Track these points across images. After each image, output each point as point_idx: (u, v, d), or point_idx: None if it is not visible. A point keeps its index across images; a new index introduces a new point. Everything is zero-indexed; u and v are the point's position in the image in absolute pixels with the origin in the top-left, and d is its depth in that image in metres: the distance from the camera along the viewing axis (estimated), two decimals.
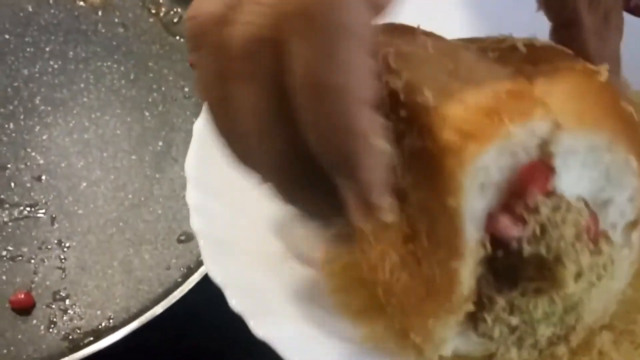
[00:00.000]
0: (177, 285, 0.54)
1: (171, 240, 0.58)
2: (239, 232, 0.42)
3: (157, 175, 0.62)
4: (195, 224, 0.41)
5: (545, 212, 0.32)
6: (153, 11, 0.75)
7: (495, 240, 0.33)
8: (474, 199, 0.32)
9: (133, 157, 0.63)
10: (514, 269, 0.33)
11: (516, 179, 0.32)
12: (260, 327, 0.37)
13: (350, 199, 0.29)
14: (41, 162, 0.63)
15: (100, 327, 0.54)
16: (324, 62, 0.27)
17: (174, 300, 0.52)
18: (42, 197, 0.61)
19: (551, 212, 0.32)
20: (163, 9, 0.75)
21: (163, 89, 0.68)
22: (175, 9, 0.74)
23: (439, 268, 0.34)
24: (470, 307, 0.34)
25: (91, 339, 0.53)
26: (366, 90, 0.28)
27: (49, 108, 0.67)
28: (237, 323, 0.37)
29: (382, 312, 0.41)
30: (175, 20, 0.74)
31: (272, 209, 0.41)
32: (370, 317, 0.41)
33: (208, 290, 0.40)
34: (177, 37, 0.72)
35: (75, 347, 0.53)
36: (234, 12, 0.28)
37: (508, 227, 0.32)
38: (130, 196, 0.61)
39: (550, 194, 0.32)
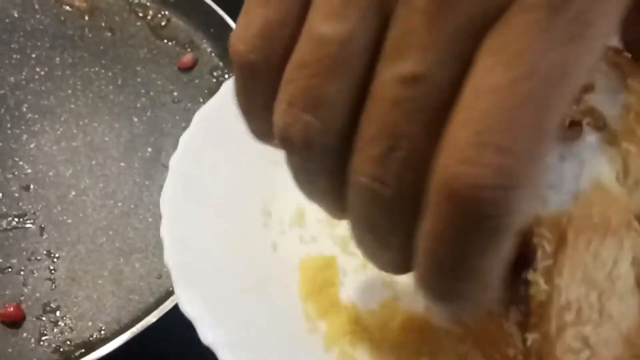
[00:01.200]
0: (169, 294, 0.53)
1: (162, 248, 0.57)
2: (213, 263, 0.42)
3: (146, 182, 0.61)
4: (170, 258, 0.41)
5: None
6: (140, 15, 0.74)
7: None
8: None
9: (122, 164, 0.62)
10: None
11: None
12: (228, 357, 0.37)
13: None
14: (29, 171, 0.62)
15: (91, 338, 0.54)
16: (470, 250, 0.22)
17: (166, 310, 0.51)
18: (30, 207, 0.60)
19: None
20: (150, 13, 0.74)
21: (151, 93, 0.67)
22: (162, 12, 0.74)
23: None
24: None
25: (82, 350, 0.53)
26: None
27: (36, 116, 0.66)
28: None
29: (359, 337, 0.41)
30: (163, 23, 0.73)
31: (249, 243, 0.42)
32: (347, 342, 0.41)
33: None
34: (165, 41, 0.71)
35: (67, 359, 0.52)
36: None
37: None
38: (120, 204, 0.60)
39: None
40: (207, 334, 0.38)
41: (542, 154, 0.21)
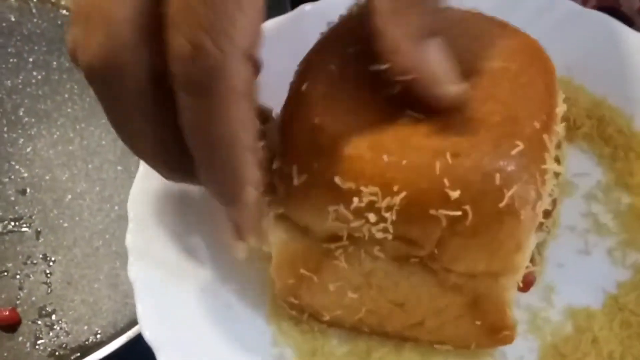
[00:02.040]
0: None
1: None
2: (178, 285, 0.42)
3: None
4: (132, 272, 0.42)
5: None
6: None
7: None
8: None
9: (119, 167, 0.62)
10: None
11: None
12: None
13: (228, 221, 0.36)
14: (25, 175, 0.62)
15: (87, 342, 0.53)
16: (213, 117, 0.31)
17: None
18: (26, 210, 0.60)
19: None
20: None
21: None
22: None
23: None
24: None
25: (78, 354, 0.53)
26: (249, 138, 0.32)
27: (33, 120, 0.66)
28: None
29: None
30: None
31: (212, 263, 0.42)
32: None
33: None
34: None
35: None
36: None
37: None
38: (116, 207, 0.60)
39: None
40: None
41: (236, 25, 0.29)
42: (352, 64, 0.38)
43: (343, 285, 0.39)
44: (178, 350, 0.39)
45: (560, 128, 0.39)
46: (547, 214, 0.38)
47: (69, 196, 0.61)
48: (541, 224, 0.38)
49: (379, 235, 0.36)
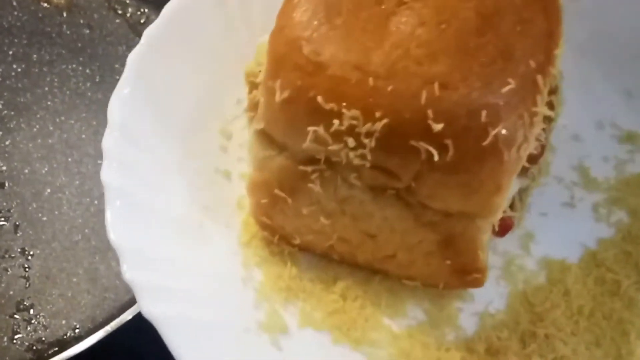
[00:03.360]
0: None
1: None
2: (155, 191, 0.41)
3: None
4: (106, 175, 0.40)
5: None
6: (119, 12, 0.73)
7: None
8: None
9: (99, 161, 0.62)
10: None
11: None
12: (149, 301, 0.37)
13: None
14: (4, 168, 0.62)
15: (65, 337, 0.53)
16: None
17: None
18: (4, 204, 0.60)
19: None
20: (130, 10, 0.73)
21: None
22: (142, 10, 0.73)
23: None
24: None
25: (56, 349, 0.52)
26: None
27: (12, 113, 0.65)
28: None
29: (294, 295, 0.40)
30: (142, 20, 0.72)
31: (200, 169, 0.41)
32: (281, 299, 0.40)
33: None
34: None
35: (40, 358, 0.52)
36: None
37: None
38: (96, 202, 0.60)
39: None
40: (133, 273, 0.37)
41: None
42: None
43: (316, 210, 0.38)
44: (142, 258, 0.38)
45: (557, 72, 0.38)
46: (533, 159, 0.38)
47: (48, 190, 0.60)
48: (526, 168, 0.37)
49: (357, 161, 0.35)
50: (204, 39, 0.44)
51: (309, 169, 0.37)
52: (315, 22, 0.36)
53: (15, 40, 0.70)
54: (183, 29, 0.44)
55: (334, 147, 0.35)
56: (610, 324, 0.39)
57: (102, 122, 0.64)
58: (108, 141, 0.41)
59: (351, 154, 0.35)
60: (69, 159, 0.62)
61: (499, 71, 0.34)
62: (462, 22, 0.34)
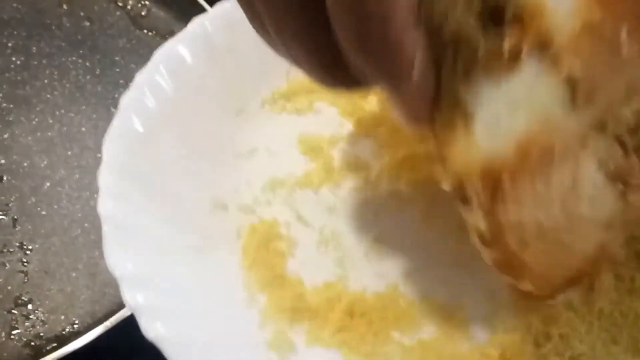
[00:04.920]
0: None
1: None
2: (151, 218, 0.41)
3: None
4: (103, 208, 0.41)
5: None
6: (120, 4, 0.72)
7: None
8: None
9: (98, 155, 0.60)
10: None
11: None
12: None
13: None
14: (3, 161, 0.61)
15: (63, 332, 0.52)
16: None
17: None
18: (3, 198, 0.59)
19: None
20: (130, 2, 0.72)
21: (130, 84, 0.66)
22: (142, 2, 0.72)
23: None
24: None
25: (54, 345, 0.51)
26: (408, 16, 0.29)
27: (11, 105, 0.64)
28: None
29: (298, 315, 0.40)
30: (143, 13, 0.72)
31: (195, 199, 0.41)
32: (286, 319, 0.40)
33: None
34: (145, 31, 0.70)
35: (38, 354, 0.51)
36: None
37: None
38: (95, 196, 0.58)
39: None
40: (134, 296, 0.37)
41: None
42: None
43: None
44: (142, 282, 0.38)
45: None
46: None
47: (47, 183, 0.60)
48: None
49: None
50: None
51: None
52: None
53: (15, 33, 0.69)
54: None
55: None
56: (628, 322, 0.39)
57: (102, 116, 0.63)
58: (102, 176, 0.42)
59: None
60: (69, 152, 0.61)
61: None
62: None
